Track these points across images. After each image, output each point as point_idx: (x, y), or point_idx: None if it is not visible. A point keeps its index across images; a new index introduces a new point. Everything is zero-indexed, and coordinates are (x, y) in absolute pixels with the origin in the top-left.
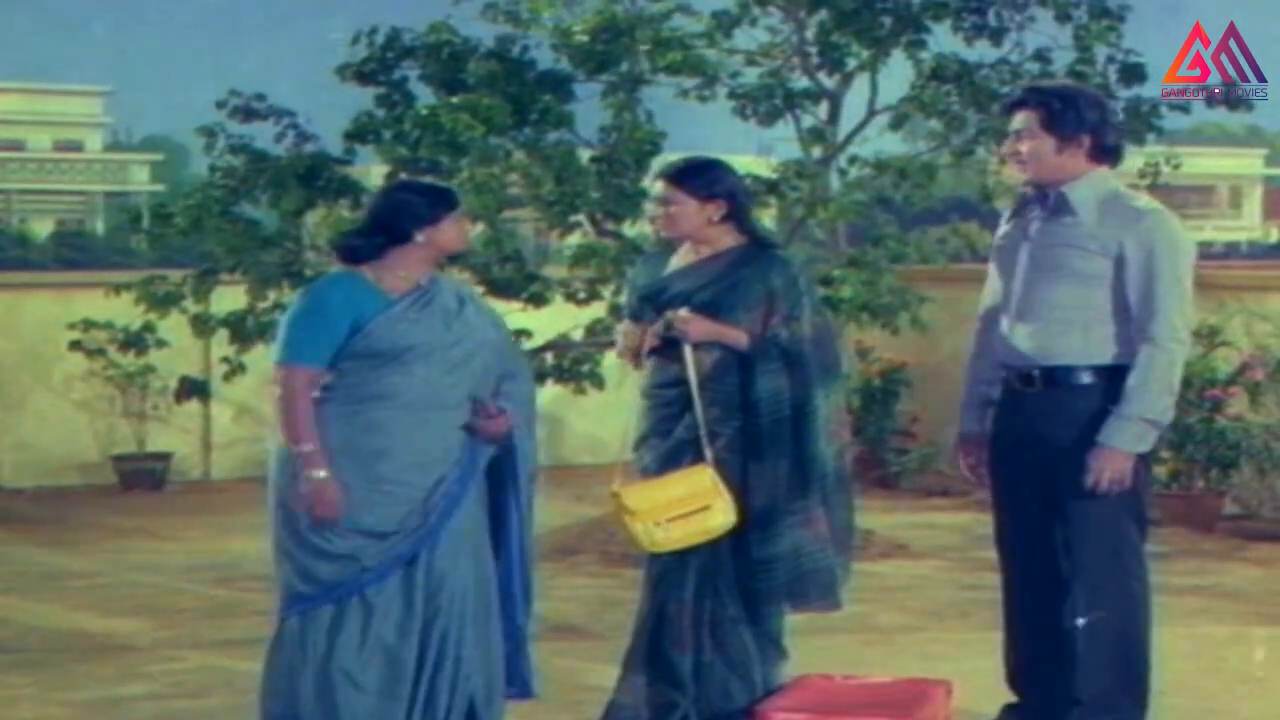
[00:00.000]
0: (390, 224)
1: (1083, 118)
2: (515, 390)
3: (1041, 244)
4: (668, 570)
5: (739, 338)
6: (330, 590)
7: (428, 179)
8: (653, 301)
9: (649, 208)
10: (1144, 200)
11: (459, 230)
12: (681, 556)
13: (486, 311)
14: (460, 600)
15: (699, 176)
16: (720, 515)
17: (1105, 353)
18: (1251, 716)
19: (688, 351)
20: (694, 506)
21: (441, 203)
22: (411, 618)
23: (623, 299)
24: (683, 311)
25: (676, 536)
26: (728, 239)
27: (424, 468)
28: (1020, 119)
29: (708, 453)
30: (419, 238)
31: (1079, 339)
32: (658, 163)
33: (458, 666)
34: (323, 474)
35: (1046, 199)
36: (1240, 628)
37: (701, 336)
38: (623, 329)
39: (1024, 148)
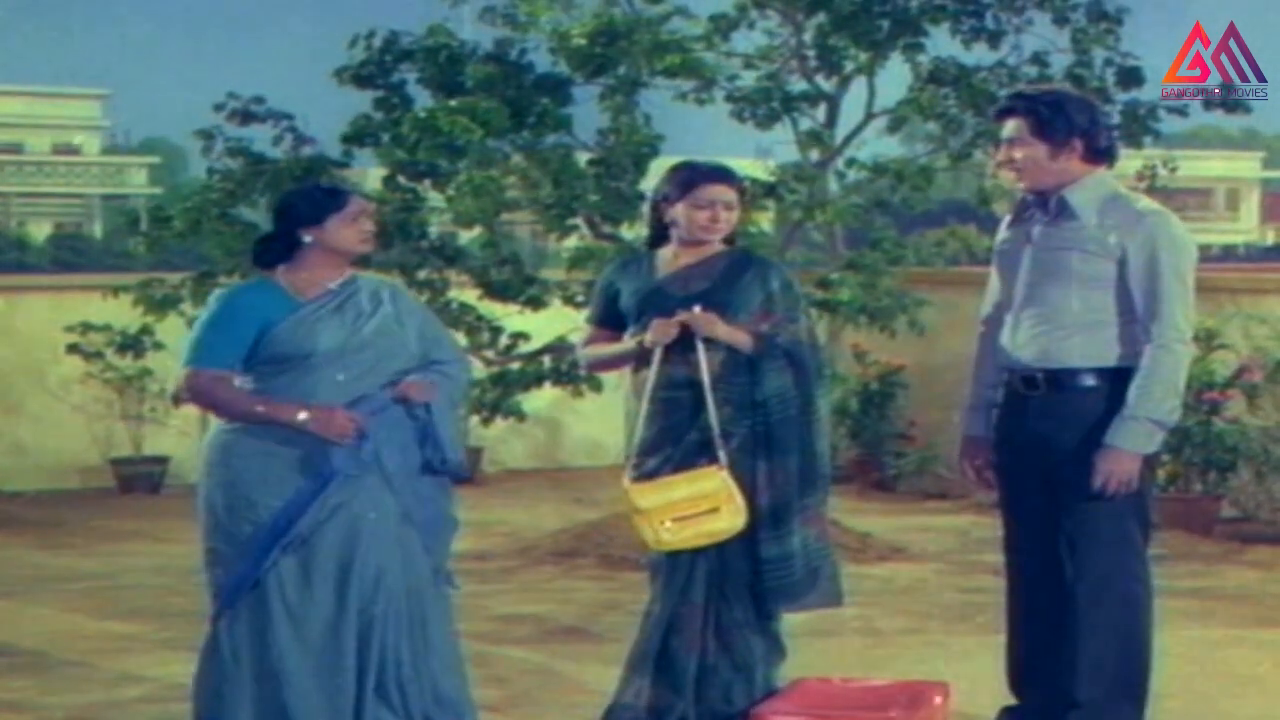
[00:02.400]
0: (279, 227)
1: (1073, 122)
2: (431, 372)
3: (1044, 247)
4: (677, 573)
5: (746, 339)
6: (244, 577)
7: (321, 183)
8: (653, 304)
9: (714, 214)
10: (1145, 202)
11: (351, 230)
12: (691, 559)
13: (409, 311)
14: (396, 607)
15: (740, 177)
16: (726, 519)
17: (1109, 355)
18: (1248, 719)
19: (701, 351)
20: (702, 508)
21: (326, 203)
22: (345, 620)
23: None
24: (696, 309)
25: (681, 537)
26: (718, 244)
27: None
28: (1011, 127)
29: (721, 454)
30: (306, 239)
31: (1082, 342)
32: (656, 166)
33: (399, 672)
34: (304, 414)
35: (1047, 203)
36: (1238, 630)
37: (721, 336)
38: (655, 323)
39: (1017, 155)
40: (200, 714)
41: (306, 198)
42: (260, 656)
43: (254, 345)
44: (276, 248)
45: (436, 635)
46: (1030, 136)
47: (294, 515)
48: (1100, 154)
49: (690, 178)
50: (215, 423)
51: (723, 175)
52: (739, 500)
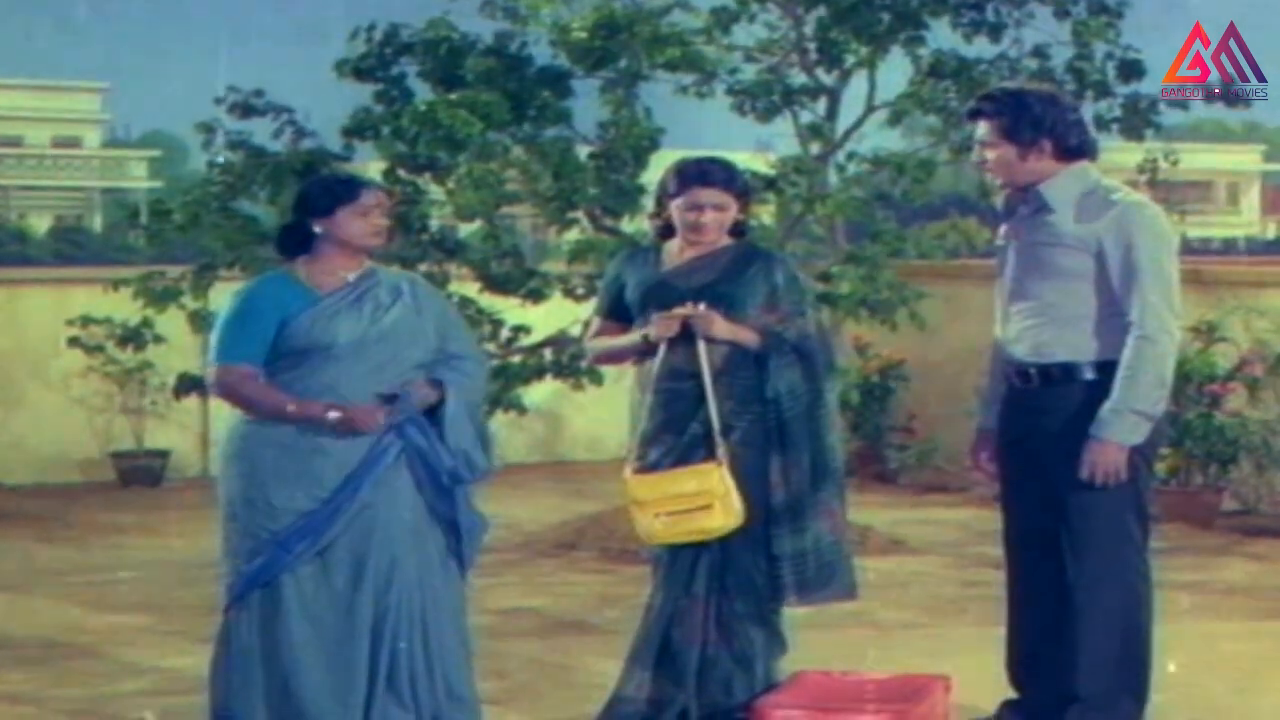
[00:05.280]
0: (294, 217)
1: (1039, 122)
2: (447, 371)
3: (1026, 243)
4: (679, 565)
5: (751, 338)
6: (260, 574)
7: (340, 173)
8: (656, 297)
9: (697, 219)
10: (1123, 193)
11: (360, 223)
12: (694, 552)
13: (429, 303)
14: (409, 601)
15: (739, 177)
16: (719, 518)
17: (1097, 348)
18: (1250, 713)
19: (701, 345)
20: (696, 504)
21: (338, 194)
22: (359, 612)
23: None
24: (702, 307)
25: (673, 532)
26: (725, 238)
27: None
28: (981, 128)
29: (720, 450)
30: (317, 229)
31: (1069, 335)
32: (656, 159)
33: (411, 666)
34: (333, 414)
35: (1029, 198)
36: (1239, 623)
37: (721, 334)
38: (657, 318)
39: (989, 155)
40: (215, 705)
41: (320, 188)
42: (271, 648)
43: (274, 339)
44: (293, 238)
45: (450, 629)
46: (998, 138)
47: (326, 520)
48: (1071, 152)
49: (682, 178)
50: (231, 414)
51: (712, 179)
52: (735, 499)
